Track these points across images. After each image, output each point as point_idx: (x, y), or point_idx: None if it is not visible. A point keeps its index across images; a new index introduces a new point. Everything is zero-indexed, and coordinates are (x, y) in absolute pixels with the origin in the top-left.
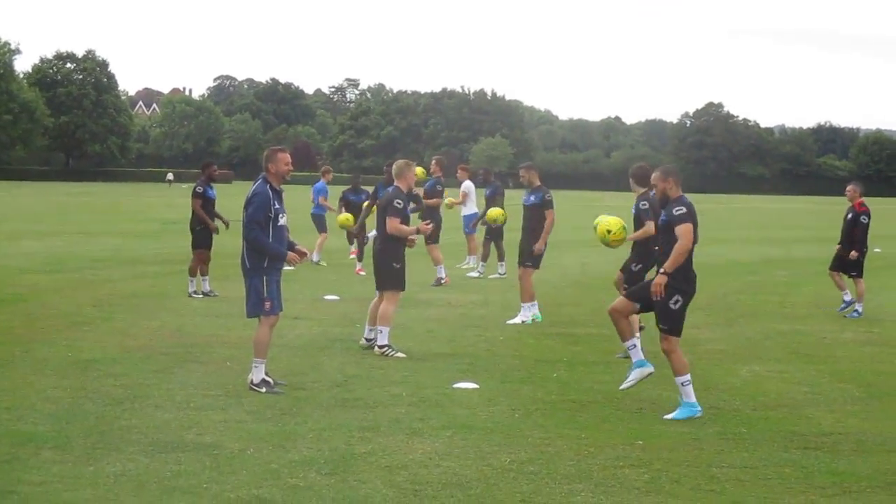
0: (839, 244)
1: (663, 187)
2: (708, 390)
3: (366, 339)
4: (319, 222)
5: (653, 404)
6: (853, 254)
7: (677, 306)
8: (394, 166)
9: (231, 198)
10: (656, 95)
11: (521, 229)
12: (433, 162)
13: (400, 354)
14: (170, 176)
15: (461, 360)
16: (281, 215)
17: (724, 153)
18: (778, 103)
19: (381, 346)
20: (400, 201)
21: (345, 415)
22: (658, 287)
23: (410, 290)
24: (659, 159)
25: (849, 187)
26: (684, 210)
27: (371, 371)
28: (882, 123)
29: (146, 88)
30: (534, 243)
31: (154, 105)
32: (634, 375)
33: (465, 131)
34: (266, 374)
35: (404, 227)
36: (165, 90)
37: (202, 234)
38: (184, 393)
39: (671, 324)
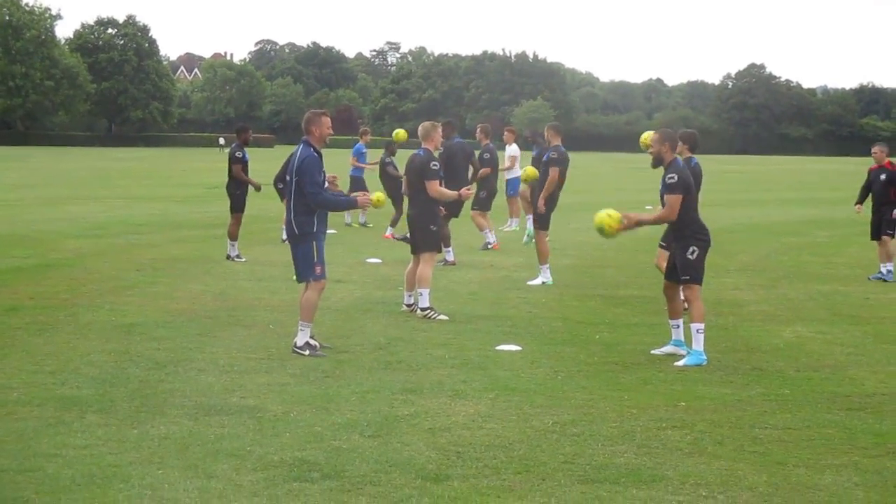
0: (862, 206)
1: (658, 150)
2: (751, 352)
3: (406, 306)
4: (358, 184)
5: (696, 366)
6: None
7: (694, 256)
8: (420, 128)
9: (272, 161)
10: (698, 57)
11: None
12: (478, 129)
13: (443, 317)
14: (221, 140)
15: (504, 323)
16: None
17: (766, 114)
18: (820, 64)
19: (423, 309)
20: (435, 163)
21: (388, 377)
22: (628, 219)
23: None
24: (701, 121)
25: (876, 148)
26: (675, 178)
27: (414, 333)
28: None
29: (187, 53)
30: (542, 205)
31: (195, 70)
32: (669, 349)
33: (507, 94)
34: (312, 336)
35: (443, 190)
36: (207, 55)
37: (240, 198)
38: (227, 356)
39: (691, 272)
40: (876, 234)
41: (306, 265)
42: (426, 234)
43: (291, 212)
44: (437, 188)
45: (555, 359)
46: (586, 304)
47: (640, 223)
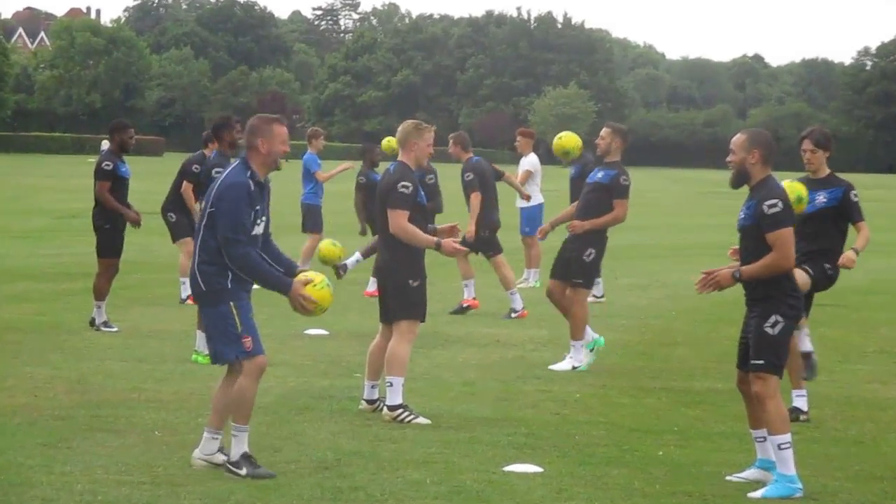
0: None
1: (742, 159)
2: None
3: (366, 402)
4: (312, 216)
5: (811, 499)
6: None
7: (777, 330)
8: (399, 131)
9: (158, 178)
10: (816, 24)
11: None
12: (451, 142)
13: (422, 420)
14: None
15: (516, 429)
16: (260, 219)
17: None
18: None
19: (392, 408)
20: (407, 185)
21: None
22: (711, 281)
23: (436, 322)
24: (822, 120)
25: None
26: (779, 206)
27: (378, 446)
28: None
29: (29, 9)
30: (583, 247)
31: (42, 35)
32: (752, 474)
33: (524, 77)
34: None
35: (415, 229)
36: (59, 12)
37: (111, 235)
38: (87, 479)
39: (768, 356)
40: None
41: (226, 337)
42: (402, 293)
43: (196, 257)
44: (399, 222)
45: (594, 486)
46: (643, 403)
47: (736, 279)
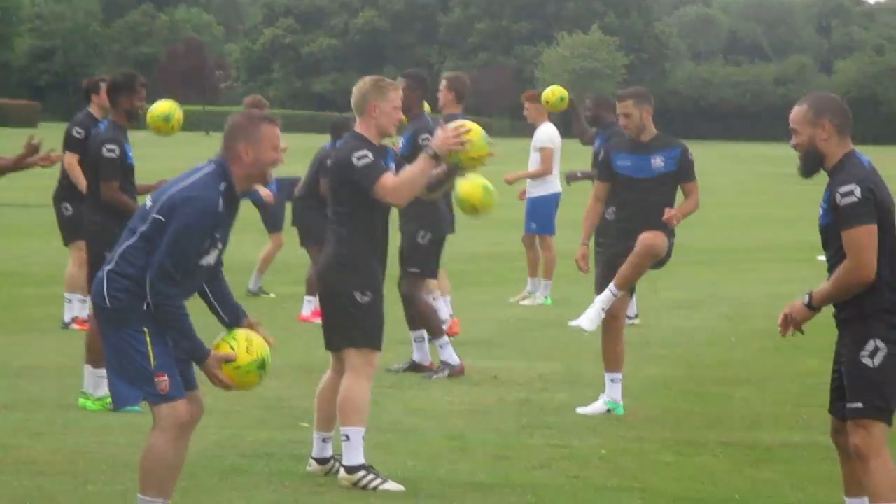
0: None
1: (810, 136)
2: None
3: (316, 461)
4: (270, 216)
5: None
6: None
7: (878, 360)
8: (354, 92)
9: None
10: None
11: (620, 224)
12: (442, 84)
13: (392, 486)
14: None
15: (520, 498)
16: (215, 248)
17: None
18: None
19: (350, 470)
20: (366, 153)
21: None
22: (790, 321)
23: (411, 351)
24: None
25: None
26: (856, 195)
27: None
28: None
29: None
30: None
31: None
32: None
33: (529, 20)
34: None
35: (406, 172)
36: None
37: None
38: None
39: (870, 396)
40: None
41: (134, 372)
42: (347, 311)
43: (113, 263)
44: (388, 184)
45: None
46: (692, 461)
47: (813, 305)
